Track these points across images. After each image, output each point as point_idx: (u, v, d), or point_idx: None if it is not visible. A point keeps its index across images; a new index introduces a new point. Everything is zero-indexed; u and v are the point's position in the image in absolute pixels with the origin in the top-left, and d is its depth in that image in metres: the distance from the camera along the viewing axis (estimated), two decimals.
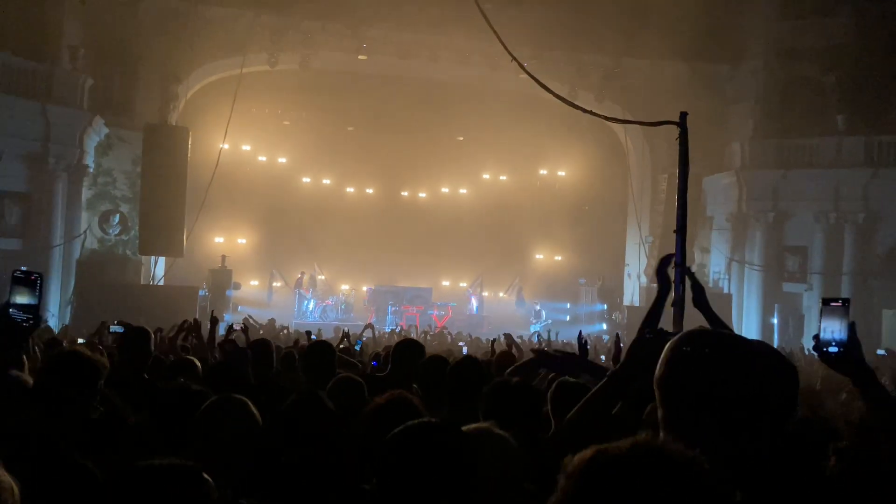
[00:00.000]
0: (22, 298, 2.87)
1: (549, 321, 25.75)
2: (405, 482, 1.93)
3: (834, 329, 2.23)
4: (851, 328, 2.22)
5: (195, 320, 7.64)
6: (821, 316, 2.24)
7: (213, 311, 8.39)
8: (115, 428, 2.93)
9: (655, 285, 3.27)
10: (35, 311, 2.89)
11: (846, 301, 2.26)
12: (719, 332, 1.75)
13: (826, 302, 2.27)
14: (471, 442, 2.08)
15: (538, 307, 27.18)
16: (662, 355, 1.65)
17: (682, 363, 1.61)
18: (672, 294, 3.47)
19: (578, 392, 3.01)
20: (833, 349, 2.21)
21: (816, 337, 2.23)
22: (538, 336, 18.35)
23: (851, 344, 2.21)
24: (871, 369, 2.25)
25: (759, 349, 1.65)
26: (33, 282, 2.90)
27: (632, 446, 1.16)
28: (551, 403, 3.31)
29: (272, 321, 18.63)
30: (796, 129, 22.80)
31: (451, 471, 1.95)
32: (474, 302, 27.95)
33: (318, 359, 4.70)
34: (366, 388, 3.80)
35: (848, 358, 2.22)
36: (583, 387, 3.21)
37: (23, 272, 2.91)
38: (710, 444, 1.49)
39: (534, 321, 26.39)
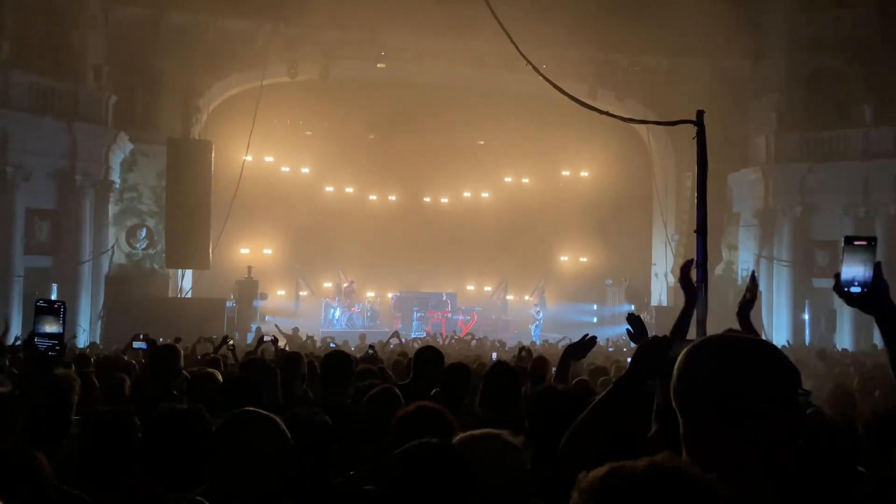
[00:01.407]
0: (47, 327, 2.90)
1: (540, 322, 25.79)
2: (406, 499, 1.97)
3: (857, 270, 2.07)
4: (877, 268, 2.07)
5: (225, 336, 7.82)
6: (842, 255, 2.08)
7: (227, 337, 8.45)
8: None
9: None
10: (60, 340, 2.94)
11: (872, 239, 2.10)
12: (730, 337, 1.68)
13: (849, 240, 2.09)
14: (472, 454, 2.09)
15: (537, 309, 26.89)
16: (677, 366, 1.60)
17: (693, 373, 1.56)
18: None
19: (563, 400, 3.02)
20: (856, 289, 2.06)
21: (837, 276, 2.07)
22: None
23: (877, 284, 2.06)
24: None
25: (766, 350, 1.60)
26: (57, 310, 2.94)
27: (648, 466, 1.13)
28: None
29: (296, 330, 18.71)
30: (822, 121, 22.46)
31: (450, 490, 1.97)
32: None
33: (335, 369, 4.70)
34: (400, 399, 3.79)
35: (873, 299, 2.07)
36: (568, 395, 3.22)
37: (46, 302, 2.94)
38: (730, 456, 1.45)
39: (533, 325, 26.16)
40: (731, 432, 1.48)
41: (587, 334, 4.55)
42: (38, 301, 2.95)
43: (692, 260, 3.52)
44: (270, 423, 2.45)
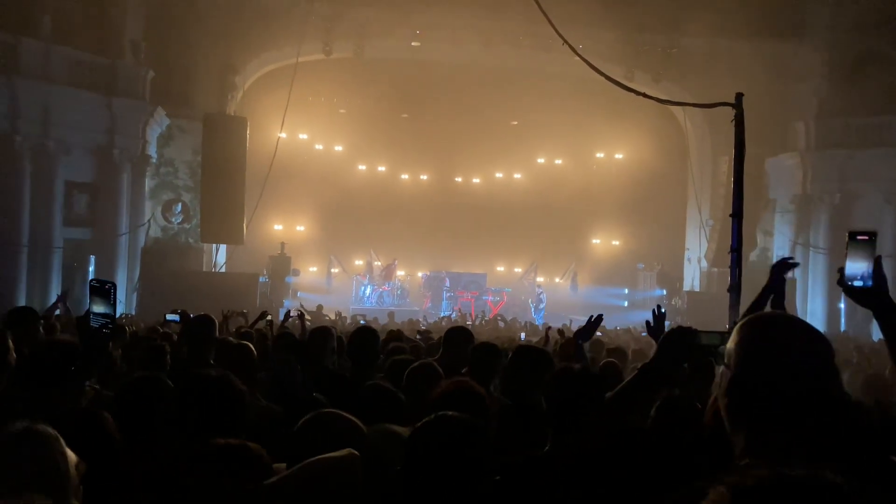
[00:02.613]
0: (99, 307, 3.10)
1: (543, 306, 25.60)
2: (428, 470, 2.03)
3: (861, 265, 2.15)
4: (877, 262, 2.15)
5: (264, 311, 7.97)
6: (847, 250, 2.15)
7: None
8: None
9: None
10: (112, 319, 3.11)
11: (873, 234, 2.18)
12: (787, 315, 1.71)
13: (853, 236, 2.17)
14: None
15: (540, 291, 26.64)
16: (735, 352, 1.60)
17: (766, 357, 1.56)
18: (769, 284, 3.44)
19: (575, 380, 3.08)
20: (859, 283, 2.14)
21: (841, 270, 2.15)
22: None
23: (877, 278, 2.15)
24: (895, 305, 2.18)
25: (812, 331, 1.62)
26: (107, 291, 3.11)
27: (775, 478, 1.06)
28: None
29: (320, 307, 18.86)
30: (863, 107, 21.92)
31: (465, 463, 2.03)
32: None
33: (362, 345, 4.76)
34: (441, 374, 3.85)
35: (873, 292, 2.15)
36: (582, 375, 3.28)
37: (98, 282, 3.10)
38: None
39: (534, 307, 25.94)
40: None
41: (592, 315, 4.62)
42: (91, 281, 3.13)
43: (796, 263, 3.58)
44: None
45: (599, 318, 4.28)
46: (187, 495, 2.08)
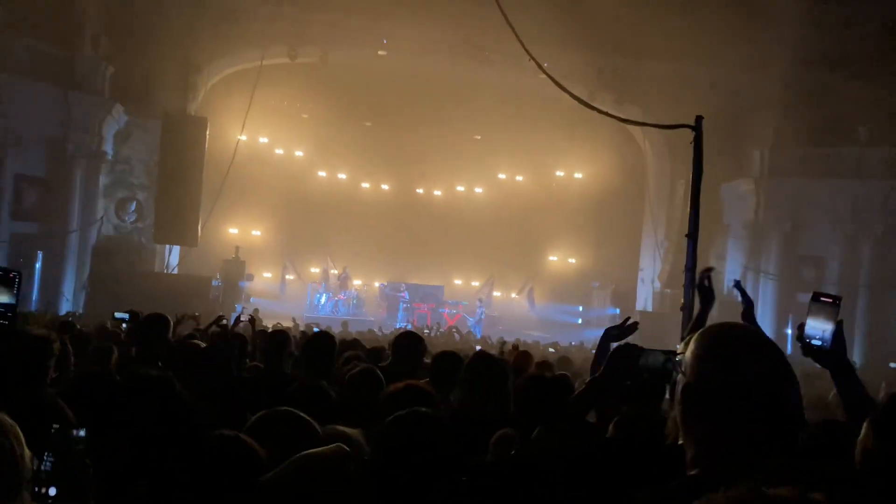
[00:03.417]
0: (1, 297, 2.72)
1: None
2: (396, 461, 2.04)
3: (821, 326, 2.22)
4: (839, 328, 2.22)
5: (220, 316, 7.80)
6: (809, 308, 2.22)
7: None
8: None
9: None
10: (13, 310, 2.77)
11: (838, 299, 2.23)
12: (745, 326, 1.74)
13: (816, 297, 2.24)
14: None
15: (480, 305, 26.67)
16: (690, 361, 1.61)
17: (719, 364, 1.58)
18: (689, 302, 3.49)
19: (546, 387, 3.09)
20: (817, 342, 2.22)
21: (801, 327, 2.23)
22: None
23: (837, 341, 2.23)
24: (851, 366, 2.28)
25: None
26: (11, 280, 2.77)
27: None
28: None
29: (256, 311, 18.58)
30: (817, 138, 22.57)
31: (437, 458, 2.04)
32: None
33: (318, 351, 4.70)
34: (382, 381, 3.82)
35: (832, 353, 2.24)
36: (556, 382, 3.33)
37: (1, 269, 2.79)
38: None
39: (473, 319, 25.92)
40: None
41: (629, 318, 4.52)
42: None
43: (711, 267, 3.67)
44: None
45: (635, 325, 4.21)
46: (182, 488, 1.99)
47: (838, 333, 2.21)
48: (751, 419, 1.51)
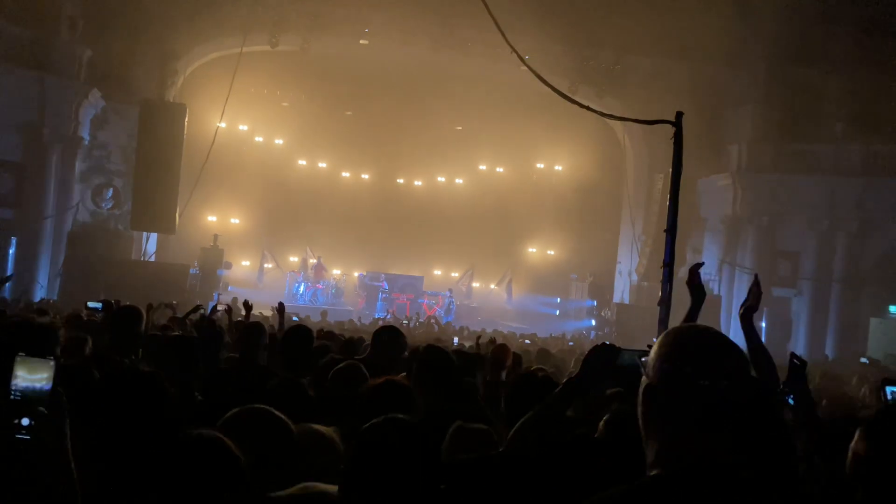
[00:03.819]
0: None
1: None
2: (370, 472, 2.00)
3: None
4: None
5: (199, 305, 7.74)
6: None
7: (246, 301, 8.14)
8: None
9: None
10: None
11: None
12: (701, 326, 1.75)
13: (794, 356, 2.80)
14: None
15: (448, 296, 26.71)
16: (652, 362, 1.63)
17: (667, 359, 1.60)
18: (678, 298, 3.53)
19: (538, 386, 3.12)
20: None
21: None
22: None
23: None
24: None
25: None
26: None
27: None
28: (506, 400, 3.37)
29: (235, 300, 18.46)
30: (795, 134, 22.80)
31: (414, 467, 2.01)
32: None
33: (295, 344, 4.68)
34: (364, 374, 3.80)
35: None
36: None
37: None
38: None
39: (442, 310, 25.87)
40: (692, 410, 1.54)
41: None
42: None
43: (701, 263, 3.67)
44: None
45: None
46: (160, 489, 1.93)
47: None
48: (710, 421, 1.53)
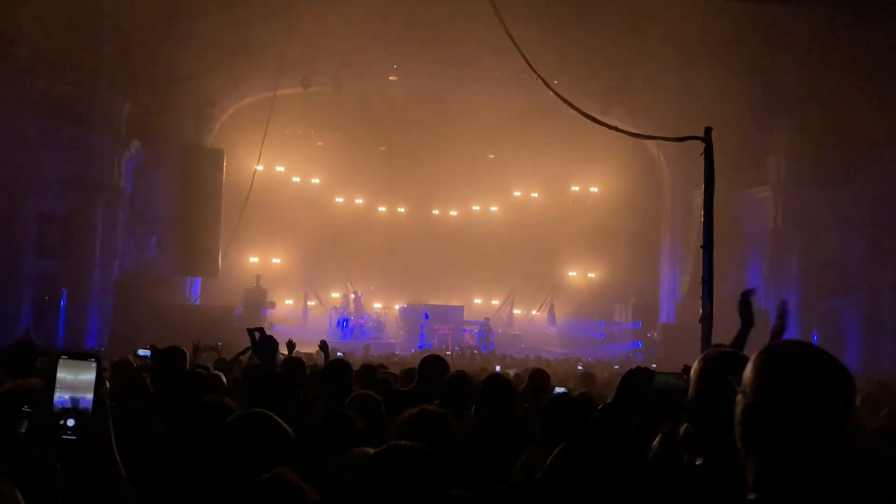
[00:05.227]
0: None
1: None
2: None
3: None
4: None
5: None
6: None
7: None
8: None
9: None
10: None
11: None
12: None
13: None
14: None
15: (485, 326, 26.08)
16: (752, 380, 1.56)
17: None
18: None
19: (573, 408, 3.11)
20: None
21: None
22: None
23: None
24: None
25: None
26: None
27: None
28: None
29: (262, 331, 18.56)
30: (835, 143, 22.36)
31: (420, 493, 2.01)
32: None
33: (334, 377, 4.75)
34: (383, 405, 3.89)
35: None
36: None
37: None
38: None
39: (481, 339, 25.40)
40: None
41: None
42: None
43: (752, 290, 3.65)
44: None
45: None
46: None
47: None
48: (812, 444, 1.46)
